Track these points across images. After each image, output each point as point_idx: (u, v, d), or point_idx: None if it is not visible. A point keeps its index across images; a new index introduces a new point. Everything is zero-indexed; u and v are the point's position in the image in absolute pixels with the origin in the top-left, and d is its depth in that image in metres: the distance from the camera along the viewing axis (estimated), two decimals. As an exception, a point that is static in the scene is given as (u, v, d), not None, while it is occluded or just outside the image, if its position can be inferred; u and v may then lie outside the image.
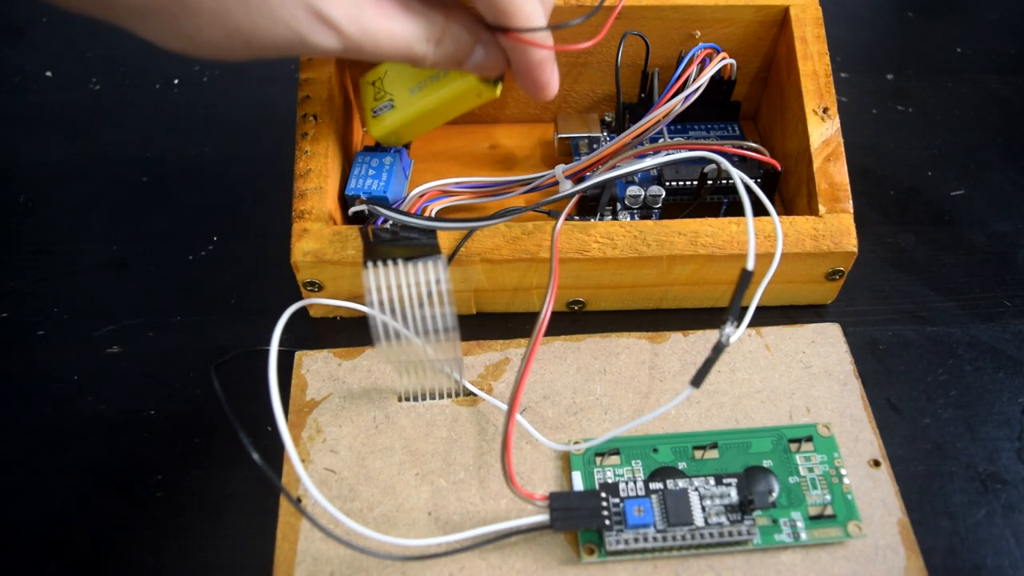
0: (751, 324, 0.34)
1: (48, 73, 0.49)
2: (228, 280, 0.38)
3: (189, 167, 0.43)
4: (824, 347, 0.34)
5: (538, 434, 0.30)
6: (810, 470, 0.30)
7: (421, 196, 0.37)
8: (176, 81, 0.48)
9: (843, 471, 0.30)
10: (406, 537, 0.27)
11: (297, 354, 0.34)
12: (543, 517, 0.27)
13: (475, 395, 0.32)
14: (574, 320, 0.37)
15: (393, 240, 0.28)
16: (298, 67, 0.36)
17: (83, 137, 0.45)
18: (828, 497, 0.30)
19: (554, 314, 0.37)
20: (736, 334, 0.27)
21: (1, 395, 0.34)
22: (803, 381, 0.33)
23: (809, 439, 0.31)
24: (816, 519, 0.29)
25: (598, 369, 0.34)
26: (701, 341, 0.34)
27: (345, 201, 0.36)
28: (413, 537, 0.27)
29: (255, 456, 0.25)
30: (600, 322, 0.36)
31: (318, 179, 0.34)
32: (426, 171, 0.41)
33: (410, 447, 0.31)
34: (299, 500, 0.30)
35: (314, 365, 0.34)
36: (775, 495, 0.29)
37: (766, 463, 0.30)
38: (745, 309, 0.30)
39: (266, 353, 0.25)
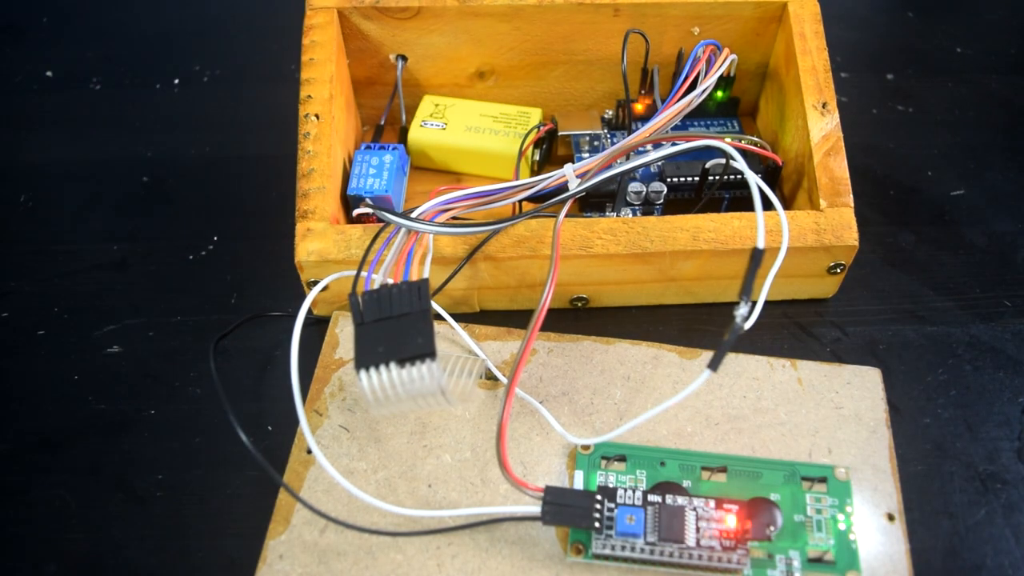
0: (786, 355, 0.34)
1: (48, 73, 0.49)
2: (228, 280, 0.38)
3: (189, 167, 0.43)
4: (859, 390, 0.33)
5: (556, 423, 0.30)
6: (818, 511, 0.29)
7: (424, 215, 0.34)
8: (176, 81, 0.48)
9: (853, 519, 0.29)
10: (402, 506, 0.27)
11: (335, 313, 0.35)
12: (535, 508, 0.27)
13: (498, 380, 0.33)
14: (588, 317, 0.37)
15: (384, 314, 0.27)
16: (299, 67, 0.36)
17: (83, 137, 0.45)
18: (831, 542, 0.28)
19: (573, 311, 0.37)
20: (750, 320, 0.26)
21: (1, 395, 0.34)
22: (830, 421, 0.32)
23: (823, 480, 0.30)
24: (814, 562, 0.28)
25: (622, 375, 0.33)
26: (732, 365, 0.33)
27: (347, 200, 0.36)
28: (410, 507, 0.28)
29: (246, 441, 0.27)
30: (603, 319, 0.36)
31: (321, 179, 0.34)
32: (424, 172, 0.41)
33: (423, 419, 0.31)
34: (308, 451, 0.30)
35: (348, 327, 0.34)
36: (774, 530, 0.28)
37: (774, 496, 0.29)
38: (754, 304, 0.30)
39: (267, 321, 0.25)
